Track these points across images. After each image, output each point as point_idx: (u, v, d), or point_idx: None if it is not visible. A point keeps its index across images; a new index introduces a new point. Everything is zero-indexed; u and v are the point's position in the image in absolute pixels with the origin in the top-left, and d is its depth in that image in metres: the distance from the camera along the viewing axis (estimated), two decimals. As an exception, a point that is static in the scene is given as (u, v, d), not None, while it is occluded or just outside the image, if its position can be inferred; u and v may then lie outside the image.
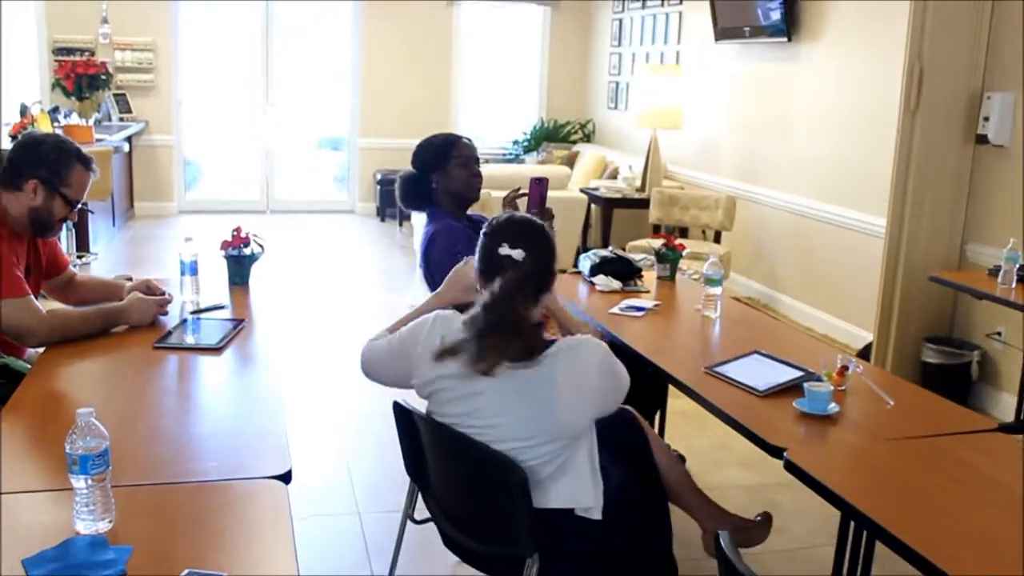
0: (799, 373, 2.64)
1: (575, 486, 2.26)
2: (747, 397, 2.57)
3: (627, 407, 2.60)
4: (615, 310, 3.41)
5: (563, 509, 2.26)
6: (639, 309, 3.41)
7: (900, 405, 2.55)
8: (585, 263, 3.85)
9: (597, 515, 2.29)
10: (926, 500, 2.01)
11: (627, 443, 2.60)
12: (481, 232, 2.33)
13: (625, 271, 3.78)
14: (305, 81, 10.73)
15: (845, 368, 2.62)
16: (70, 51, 9.59)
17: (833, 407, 2.43)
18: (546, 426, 2.19)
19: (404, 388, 2.41)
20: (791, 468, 2.16)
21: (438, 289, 2.70)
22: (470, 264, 2.51)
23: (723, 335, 3.27)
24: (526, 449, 2.19)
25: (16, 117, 7.78)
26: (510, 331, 2.18)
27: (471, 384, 2.21)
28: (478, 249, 2.33)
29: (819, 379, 2.57)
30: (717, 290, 3.37)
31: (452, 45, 10.57)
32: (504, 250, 2.23)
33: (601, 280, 3.72)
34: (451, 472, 2.38)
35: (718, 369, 2.73)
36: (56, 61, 9.52)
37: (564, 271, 6.67)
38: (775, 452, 2.24)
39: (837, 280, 6.16)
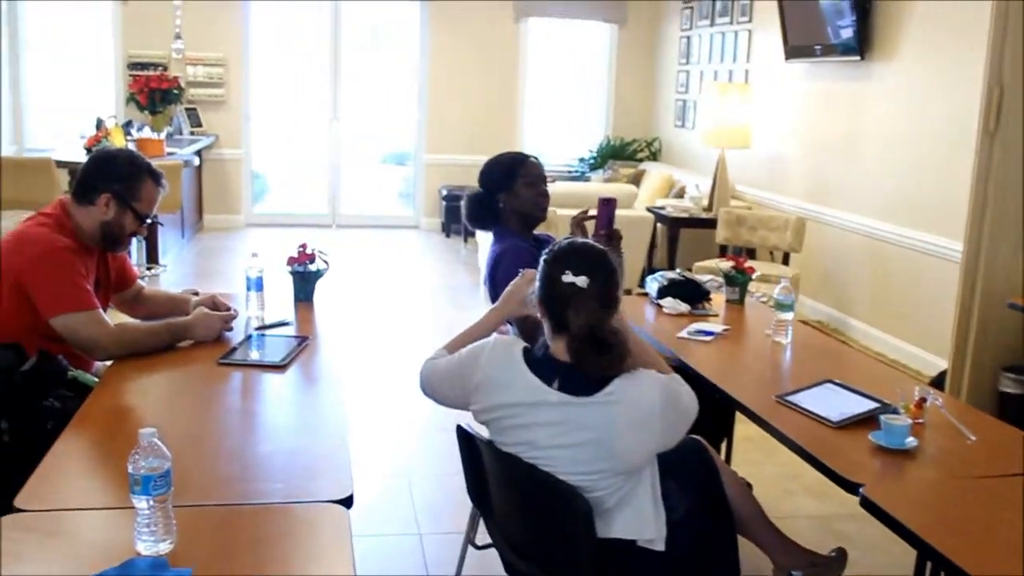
0: (874, 404, 2.56)
1: (637, 517, 2.21)
2: (820, 428, 2.49)
3: (695, 436, 2.54)
4: (683, 334, 3.34)
5: (626, 540, 2.20)
6: (708, 333, 3.34)
7: (981, 440, 2.44)
8: (652, 285, 3.79)
9: (660, 546, 2.23)
10: (1009, 543, 1.92)
11: (695, 472, 2.53)
12: (541, 260, 2.29)
13: (693, 294, 3.71)
14: (372, 96, 10.81)
15: (923, 400, 2.53)
16: (144, 66, 9.77)
17: (911, 441, 2.35)
18: (606, 464, 2.14)
19: (462, 410, 2.38)
20: (867, 505, 2.08)
21: (496, 303, 2.67)
22: (527, 278, 2.48)
23: (794, 362, 3.19)
24: (587, 480, 2.14)
25: (92, 130, 7.93)
26: (586, 362, 2.14)
27: (531, 414, 2.17)
28: (539, 277, 2.28)
29: (896, 411, 2.48)
30: (788, 315, 3.28)
31: (519, 61, 10.57)
32: (567, 277, 2.19)
33: (669, 303, 3.66)
34: (514, 499, 2.34)
35: (790, 398, 2.66)
36: (131, 76, 9.70)
37: (630, 291, 6.63)
38: (851, 488, 2.16)
39: (910, 305, 6.01)
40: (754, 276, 3.89)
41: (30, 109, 10.02)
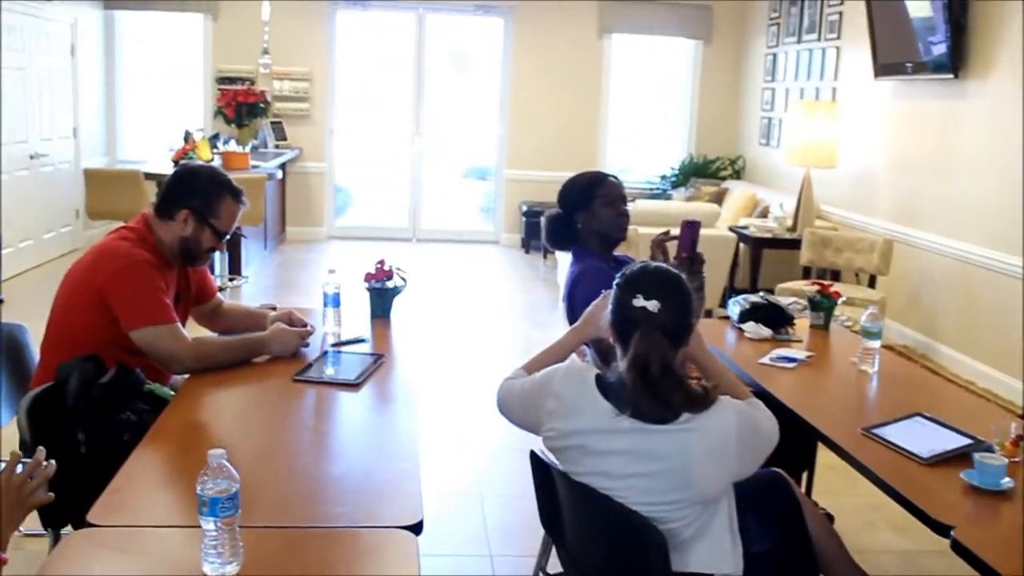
0: (967, 441, 2.44)
1: (714, 550, 2.13)
2: (908, 464, 2.38)
3: (776, 468, 2.46)
4: (765, 360, 3.24)
5: (702, 573, 2.13)
6: (791, 360, 3.24)
7: (1082, 482, 2.32)
8: (734, 309, 3.70)
9: (738, 580, 2.16)
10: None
11: (776, 507, 2.45)
12: (614, 283, 2.23)
13: (776, 318, 3.61)
14: (454, 111, 10.86)
15: (1020, 438, 2.40)
16: (232, 80, 9.95)
17: (1007, 482, 2.23)
18: (681, 494, 2.07)
19: (535, 435, 2.33)
20: (958, 549, 1.98)
21: (576, 324, 2.61)
22: (608, 299, 2.41)
23: (881, 392, 3.07)
24: (662, 511, 2.08)
25: (180, 143, 8.09)
26: (653, 388, 2.07)
27: (604, 442, 2.11)
28: (611, 300, 2.23)
29: (990, 449, 2.36)
30: (875, 344, 3.17)
31: (602, 77, 10.51)
32: (638, 302, 2.12)
33: (751, 327, 3.57)
34: (587, 529, 2.28)
35: (877, 431, 2.55)
36: (219, 90, 9.89)
37: (710, 313, 6.53)
38: (941, 529, 2.06)
39: (1002, 331, 5.79)
40: (840, 301, 3.77)
41: (123, 122, 10.28)
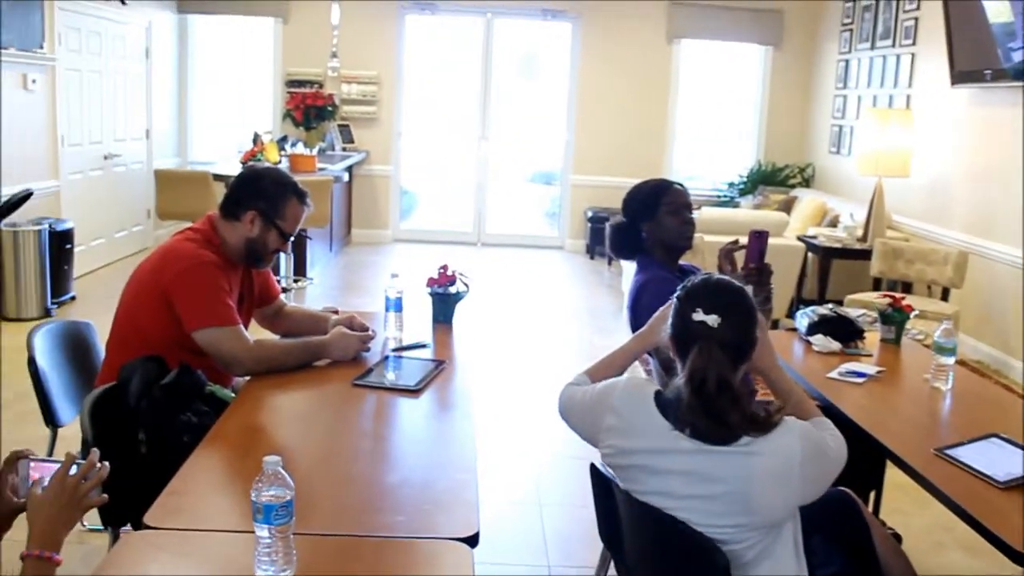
0: (1046, 464, 2.34)
1: (778, 572, 2.06)
2: (984, 488, 2.29)
3: (843, 488, 2.38)
4: (833, 375, 3.16)
5: (766, 595, 2.07)
6: (860, 375, 3.15)
7: None
8: (802, 321, 3.61)
9: (803, 604, 2.09)
10: None
11: (843, 528, 2.37)
12: (674, 295, 2.17)
13: (846, 332, 3.51)
14: (521, 115, 10.85)
15: (1102, 462, 2.30)
16: (301, 83, 10.06)
17: (1088, 509, 2.13)
18: (743, 518, 2.00)
19: (593, 446, 2.28)
20: (1036, 578, 1.90)
21: (641, 330, 2.55)
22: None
23: (955, 411, 2.97)
24: (724, 533, 2.01)
25: (249, 145, 8.18)
26: (709, 406, 2.00)
27: (664, 462, 2.05)
28: (671, 313, 2.17)
29: (1070, 473, 2.26)
30: (950, 360, 3.06)
31: (670, 83, 10.42)
32: (698, 316, 2.05)
33: (819, 340, 3.48)
34: (647, 546, 2.22)
35: (950, 452, 2.46)
36: (288, 93, 9.99)
37: (776, 324, 6.41)
38: (1016, 556, 1.97)
39: (1082, 349, 5.61)
40: (912, 315, 3.67)
41: (194, 124, 10.44)
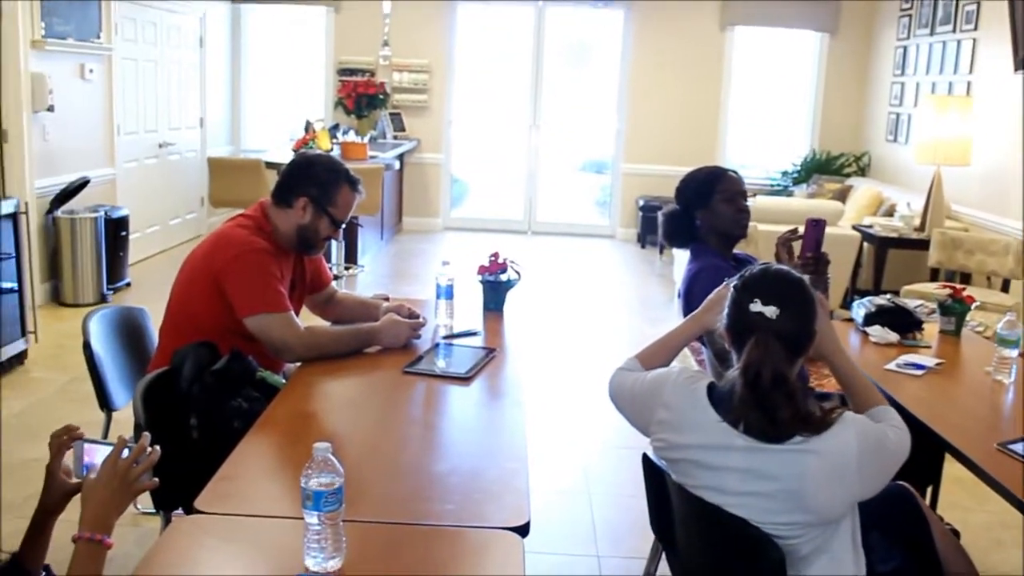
0: (1114, 460, 2.27)
1: (835, 568, 2.01)
2: (1049, 483, 2.23)
3: (903, 483, 2.32)
4: (891, 366, 3.09)
5: (822, 590, 2.02)
6: (919, 367, 3.08)
7: None
8: (859, 311, 3.54)
9: (860, 599, 2.04)
10: None
11: (902, 523, 2.31)
12: (732, 285, 2.13)
13: (904, 323, 3.44)
14: (572, 104, 10.80)
15: None
16: (353, 72, 10.09)
17: None
18: (799, 516, 1.95)
19: (643, 435, 2.24)
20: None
21: (695, 312, 2.50)
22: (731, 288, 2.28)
23: (1018, 405, 2.88)
24: (780, 530, 1.97)
25: (301, 133, 8.22)
26: (762, 401, 1.95)
27: (717, 458, 2.01)
28: (728, 303, 2.12)
29: None
30: (1013, 352, 2.98)
31: (723, 71, 10.30)
32: (755, 307, 2.00)
33: (876, 331, 3.41)
34: (700, 539, 2.18)
35: (1013, 447, 2.39)
36: (340, 81, 10.03)
37: (831, 314, 6.30)
38: (1084, 555, 1.91)
39: None
40: (973, 306, 3.58)
41: (247, 112, 10.51)
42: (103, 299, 6.70)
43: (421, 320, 3.14)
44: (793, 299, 2.02)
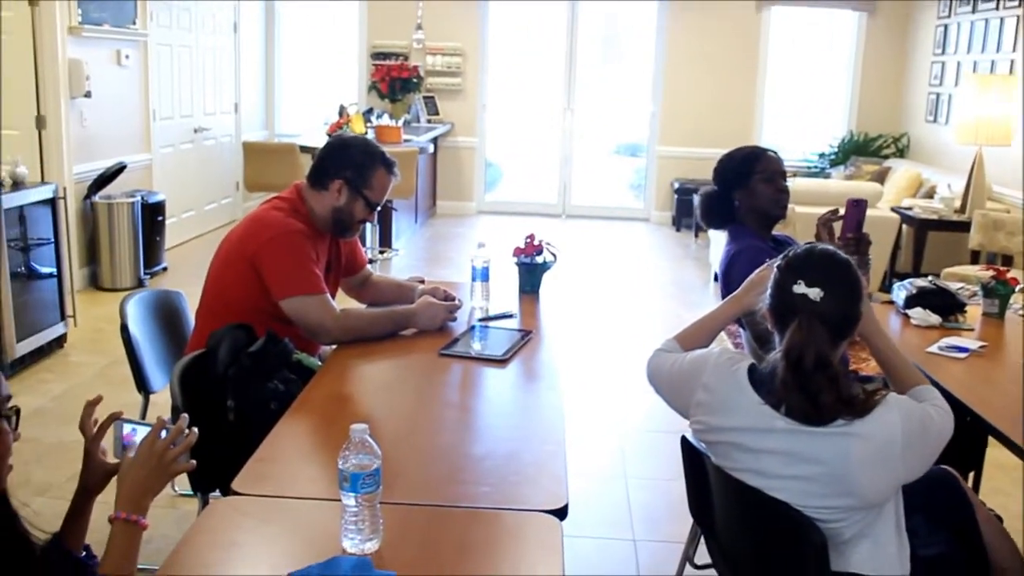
0: None
1: (878, 551, 1.98)
2: (1097, 467, 2.18)
3: (946, 467, 2.28)
4: (933, 349, 3.04)
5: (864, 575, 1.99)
6: (961, 350, 3.03)
7: None
8: (900, 293, 3.48)
9: (902, 584, 2.00)
10: None
11: (946, 507, 2.27)
12: (775, 265, 2.09)
13: (946, 305, 3.38)
14: (606, 87, 10.73)
15: None
16: (386, 55, 10.08)
17: None
18: (841, 500, 1.92)
19: (682, 417, 2.22)
20: None
21: (735, 292, 2.46)
22: (773, 268, 2.23)
23: (1063, 388, 2.83)
24: (821, 513, 1.94)
25: (335, 118, 8.22)
26: (804, 384, 1.91)
27: (758, 441, 1.98)
28: (771, 283, 2.08)
29: None
30: (1058, 335, 2.93)
31: (759, 51, 10.18)
32: (799, 288, 1.95)
33: (917, 313, 3.35)
34: (741, 522, 2.16)
35: (1060, 430, 2.35)
36: (373, 65, 10.03)
37: (870, 296, 6.22)
38: None
39: None
40: (1018, 288, 3.52)
41: (281, 97, 10.54)
42: (140, 284, 6.75)
43: (457, 302, 3.13)
44: (838, 281, 1.98)
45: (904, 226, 7.20)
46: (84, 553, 1.71)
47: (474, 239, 3.49)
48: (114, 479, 1.67)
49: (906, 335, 3.25)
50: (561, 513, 1.82)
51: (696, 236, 9.63)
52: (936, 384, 2.66)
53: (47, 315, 5.21)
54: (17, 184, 5.01)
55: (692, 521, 2.51)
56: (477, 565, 1.65)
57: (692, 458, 2.26)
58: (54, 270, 5.30)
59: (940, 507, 2.26)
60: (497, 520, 1.81)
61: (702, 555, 2.46)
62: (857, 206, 3.06)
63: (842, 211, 3.11)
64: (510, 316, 3.22)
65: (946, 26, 9.01)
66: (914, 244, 7.00)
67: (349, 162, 3.01)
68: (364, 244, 7.46)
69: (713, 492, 2.20)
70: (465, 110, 10.34)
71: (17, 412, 1.52)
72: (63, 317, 5.36)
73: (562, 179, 10.76)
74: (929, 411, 2.02)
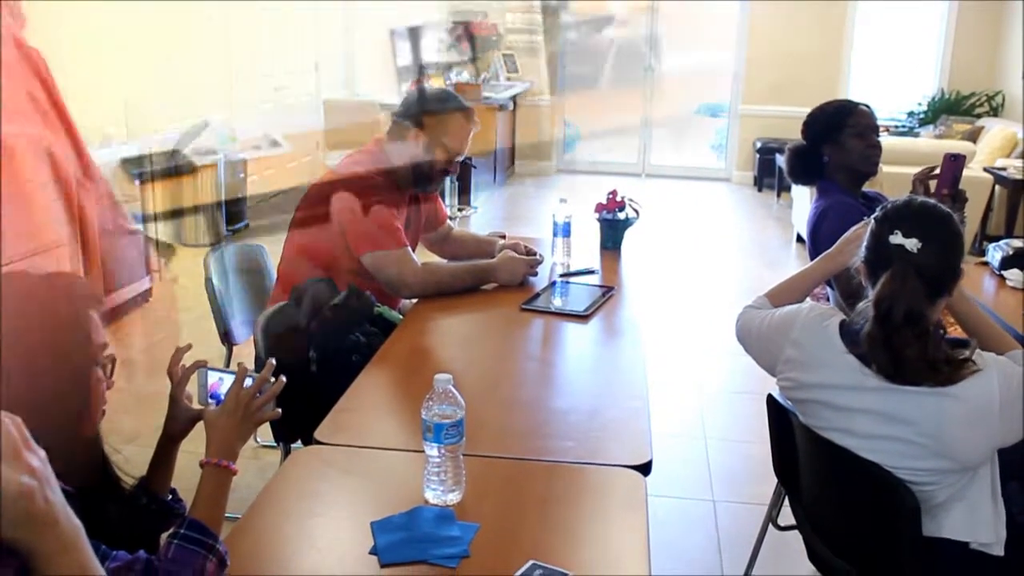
0: None
1: (972, 517, 1.91)
2: None
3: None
4: (1031, 311, 2.94)
5: (956, 541, 1.92)
6: (1061, 312, 2.92)
7: None
8: (995, 254, 3.36)
9: (998, 551, 1.93)
10: None
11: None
12: (873, 217, 2.00)
13: (1044, 266, 3.26)
14: (689, 47, 10.53)
15: None
16: (466, 12, 10.01)
17: None
18: (934, 463, 1.86)
19: (771, 375, 2.16)
20: None
21: (828, 251, 2.38)
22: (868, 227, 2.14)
23: None
24: (913, 475, 1.87)
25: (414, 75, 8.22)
26: (890, 338, 1.83)
27: (847, 398, 1.91)
28: (867, 235, 2.00)
29: None
30: None
31: (847, 7, 9.88)
32: (896, 238, 1.87)
33: (1014, 275, 3.23)
34: (828, 484, 2.10)
35: None
36: (453, 23, 9.97)
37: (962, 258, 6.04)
38: None
39: None
40: (1121, 250, 3.37)
41: (359, 56, 10.54)
42: (223, 239, 6.84)
43: (538, 257, 3.11)
44: (938, 233, 1.89)
45: (997, 187, 6.97)
46: (171, 496, 1.73)
47: (553, 198, 3.45)
48: (200, 425, 1.69)
49: (1001, 296, 3.15)
50: (645, 469, 1.80)
51: (779, 196, 9.43)
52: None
53: (133, 271, 5.31)
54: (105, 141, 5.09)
55: (775, 483, 2.47)
56: (560, 519, 1.63)
57: (779, 417, 2.21)
58: (140, 227, 5.39)
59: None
60: (581, 475, 1.79)
61: (786, 516, 2.41)
62: (955, 161, 2.94)
63: (938, 169, 3.00)
64: (592, 272, 3.18)
65: (1046, -21, 8.65)
66: (1008, 205, 6.78)
67: (427, 109, 3.00)
68: (443, 201, 7.47)
69: (800, 452, 2.14)
70: (545, 68, 10.24)
71: (113, 361, 1.53)
72: (148, 272, 5.46)
73: (642, 139, 10.62)
74: None
